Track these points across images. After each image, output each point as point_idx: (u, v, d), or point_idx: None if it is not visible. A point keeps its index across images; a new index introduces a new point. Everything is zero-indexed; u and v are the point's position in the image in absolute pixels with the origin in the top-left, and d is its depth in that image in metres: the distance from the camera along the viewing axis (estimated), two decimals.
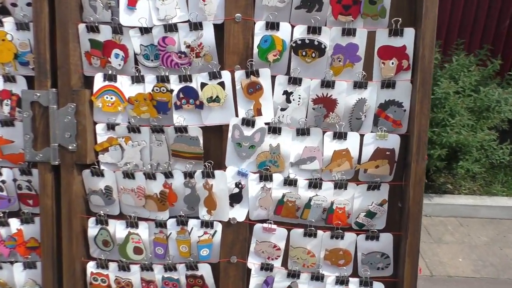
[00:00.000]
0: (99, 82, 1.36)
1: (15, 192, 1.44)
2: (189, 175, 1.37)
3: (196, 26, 1.31)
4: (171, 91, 1.34)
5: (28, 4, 1.33)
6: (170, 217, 1.41)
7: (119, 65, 1.36)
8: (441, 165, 4.21)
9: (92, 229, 1.43)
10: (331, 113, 1.32)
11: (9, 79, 1.38)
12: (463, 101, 4.94)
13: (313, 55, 1.29)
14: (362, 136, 1.33)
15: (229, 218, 1.38)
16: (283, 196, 1.35)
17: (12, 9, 1.35)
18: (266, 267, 1.40)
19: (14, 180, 1.43)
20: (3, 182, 1.43)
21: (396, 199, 1.37)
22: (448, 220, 4.47)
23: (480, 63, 4.98)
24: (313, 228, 1.36)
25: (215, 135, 1.38)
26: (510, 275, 3.59)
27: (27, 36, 1.35)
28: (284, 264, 1.41)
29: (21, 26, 1.35)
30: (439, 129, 3.99)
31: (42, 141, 1.37)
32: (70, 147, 1.36)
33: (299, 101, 1.32)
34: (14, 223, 1.45)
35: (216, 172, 1.36)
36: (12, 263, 1.47)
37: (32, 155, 1.37)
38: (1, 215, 1.45)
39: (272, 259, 1.40)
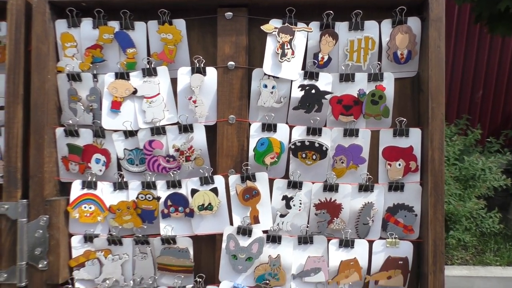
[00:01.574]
0: (76, 190, 1.22)
1: None
2: None
3: (186, 128, 1.21)
4: (158, 198, 1.21)
5: (1, 108, 1.22)
6: None
7: (100, 170, 1.23)
8: None
9: None
10: (335, 218, 1.20)
11: None
12: (448, 170, 4.95)
13: (314, 157, 1.19)
14: (370, 243, 1.20)
15: None
16: None
17: None
18: None
19: None
20: None
21: None
22: None
23: (460, 132, 5.07)
24: None
25: (207, 246, 1.24)
26: None
27: None
28: None
29: None
30: None
31: (8, 259, 1.20)
32: (40, 266, 1.18)
33: (300, 207, 1.20)
34: None
35: None
36: None
37: None
38: None
39: None
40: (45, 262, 1.19)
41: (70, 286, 1.22)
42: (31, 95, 1.20)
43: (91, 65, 1.24)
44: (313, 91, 1.19)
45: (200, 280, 1.21)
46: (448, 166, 4.92)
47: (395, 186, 1.20)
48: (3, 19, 1.21)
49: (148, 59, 1.23)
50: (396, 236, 1.19)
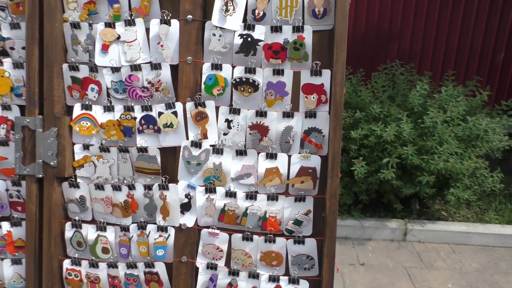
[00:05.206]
0: (77, 110, 1.67)
1: (7, 200, 1.74)
2: (148, 187, 1.65)
3: (156, 66, 1.61)
4: (135, 118, 1.64)
5: (23, 48, 1.66)
6: (132, 223, 1.69)
7: (94, 97, 1.67)
8: (430, 191, 4.36)
9: (69, 232, 1.71)
10: (264, 137, 1.59)
11: (6, 107, 1.70)
12: (452, 129, 5.13)
13: (249, 90, 1.57)
14: (290, 156, 1.60)
15: (180, 224, 1.65)
16: (225, 205, 1.61)
17: (10, 52, 1.70)
18: (211, 266, 1.65)
19: (7, 190, 1.74)
20: None
21: (321, 210, 1.61)
22: (441, 247, 4.53)
23: (470, 93, 5.18)
24: (249, 233, 1.62)
25: (170, 155, 1.66)
26: None
27: (21, 73, 1.68)
28: (227, 264, 1.66)
29: (17, 65, 1.68)
30: (428, 157, 4.16)
31: (30, 158, 1.68)
32: (52, 163, 1.66)
33: (238, 127, 1.60)
34: (5, 226, 1.74)
35: (170, 185, 1.64)
36: (2, 259, 1.76)
37: (21, 169, 1.67)
38: None
39: (216, 260, 1.65)
40: (55, 161, 1.66)
41: (73, 179, 1.69)
42: (44, 39, 1.63)
43: (87, 16, 1.64)
44: (250, 39, 1.56)
45: (165, 179, 1.64)
46: (452, 126, 5.11)
47: (310, 114, 1.57)
48: None
49: (129, 12, 1.62)
50: (309, 151, 1.57)
